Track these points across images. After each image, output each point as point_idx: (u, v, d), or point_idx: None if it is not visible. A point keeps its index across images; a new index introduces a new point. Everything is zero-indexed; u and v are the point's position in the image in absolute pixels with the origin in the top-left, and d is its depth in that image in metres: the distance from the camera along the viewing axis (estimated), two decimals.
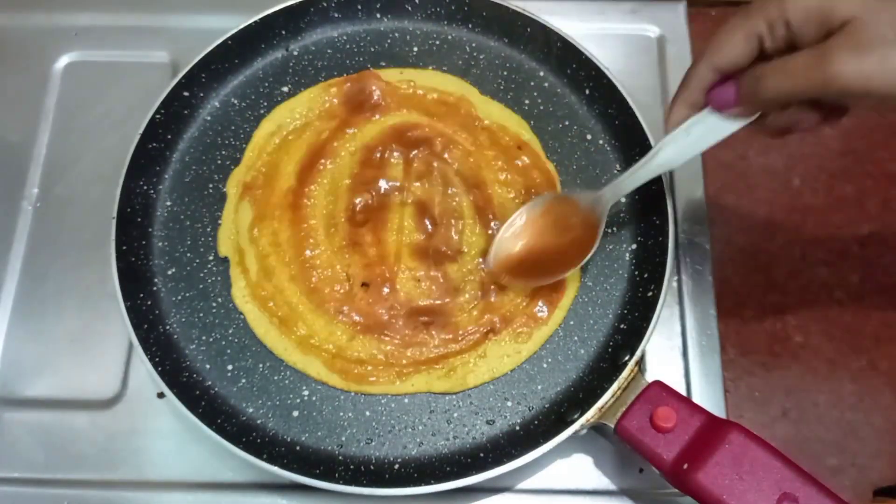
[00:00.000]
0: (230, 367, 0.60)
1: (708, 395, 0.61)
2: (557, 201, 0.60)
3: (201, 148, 0.67)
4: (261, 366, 0.60)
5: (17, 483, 0.59)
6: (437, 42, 0.70)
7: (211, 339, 0.61)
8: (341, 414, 0.58)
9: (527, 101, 0.68)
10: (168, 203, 0.65)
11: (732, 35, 0.47)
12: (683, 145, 0.52)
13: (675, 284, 0.65)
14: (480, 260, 0.62)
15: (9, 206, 0.68)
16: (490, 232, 0.63)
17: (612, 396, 0.54)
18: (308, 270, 0.62)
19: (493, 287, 0.61)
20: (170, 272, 0.63)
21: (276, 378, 0.59)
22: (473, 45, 0.70)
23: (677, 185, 0.68)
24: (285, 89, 0.69)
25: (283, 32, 0.70)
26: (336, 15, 0.70)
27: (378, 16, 0.71)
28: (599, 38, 0.74)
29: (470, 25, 0.71)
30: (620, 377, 0.54)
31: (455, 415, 0.58)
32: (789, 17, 0.44)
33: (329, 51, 0.71)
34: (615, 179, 0.57)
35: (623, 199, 0.64)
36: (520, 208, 0.60)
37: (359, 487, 0.53)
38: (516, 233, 0.60)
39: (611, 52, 0.71)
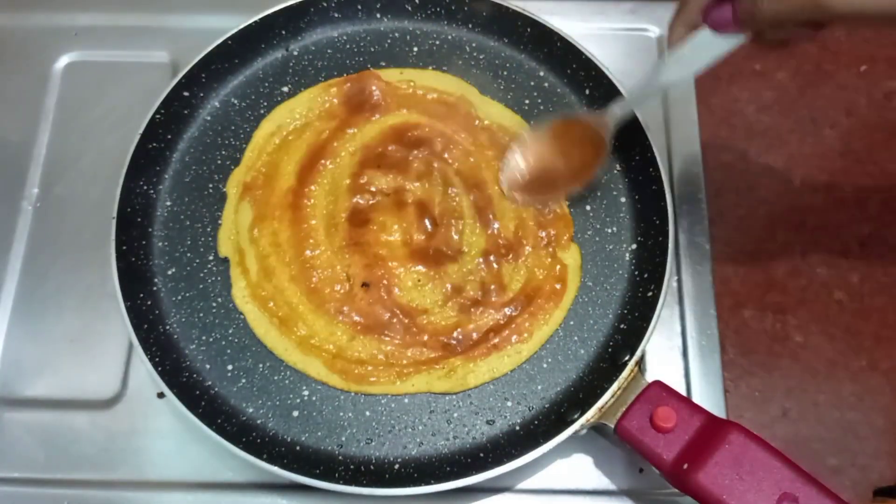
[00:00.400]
0: (230, 367, 0.60)
1: (708, 395, 0.61)
2: (564, 121, 0.63)
3: (201, 148, 0.67)
4: (261, 366, 0.60)
5: (17, 483, 0.59)
6: (437, 42, 0.71)
7: (211, 339, 0.61)
8: (341, 414, 0.58)
9: (527, 101, 0.68)
10: (168, 203, 0.65)
11: None
12: (685, 63, 0.54)
13: (675, 284, 0.65)
14: (480, 260, 0.62)
15: (9, 206, 0.68)
16: (490, 232, 0.63)
17: (612, 396, 0.54)
18: (308, 270, 0.62)
19: (493, 287, 0.61)
20: (170, 272, 0.63)
21: (276, 378, 0.59)
22: (473, 45, 0.70)
23: (677, 185, 0.68)
24: (285, 89, 0.69)
25: (283, 32, 0.70)
26: (336, 15, 0.70)
27: (378, 16, 0.71)
28: (599, 38, 0.74)
29: (470, 25, 0.71)
30: (620, 377, 0.54)
31: (455, 415, 0.58)
32: None
33: (329, 51, 0.71)
34: (621, 101, 0.60)
35: (623, 199, 0.65)
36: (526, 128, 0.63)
37: (359, 487, 0.53)
38: (524, 153, 0.63)
39: (611, 52, 0.71)
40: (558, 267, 0.62)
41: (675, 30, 0.53)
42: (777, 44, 0.51)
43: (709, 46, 0.52)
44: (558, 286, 0.62)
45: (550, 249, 0.63)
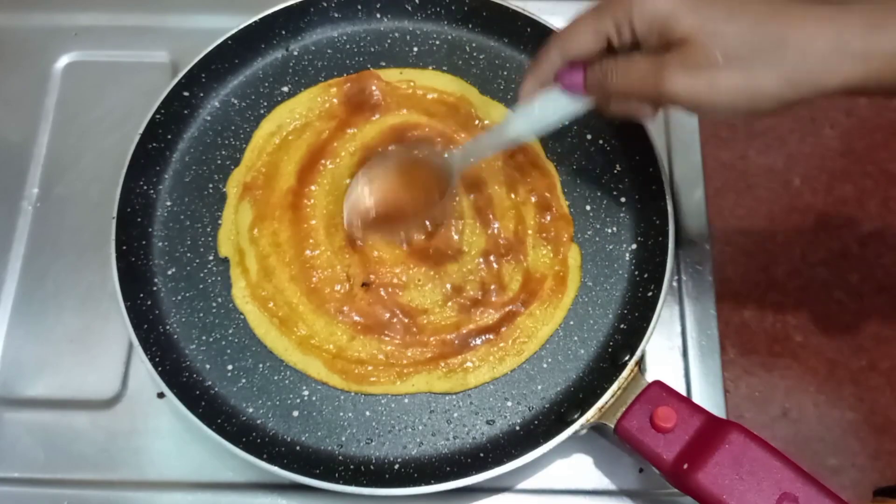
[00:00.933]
0: (230, 367, 0.60)
1: (708, 395, 0.61)
2: (404, 159, 0.63)
3: (201, 148, 0.67)
4: (261, 366, 0.60)
5: (17, 483, 0.59)
6: (437, 42, 0.70)
7: (211, 339, 0.61)
8: (341, 414, 0.58)
9: None
10: (168, 203, 0.65)
11: (583, 29, 0.50)
12: (533, 119, 0.55)
13: (675, 284, 0.65)
14: (481, 260, 0.62)
15: (9, 206, 0.68)
16: (490, 232, 0.63)
17: (612, 396, 0.54)
18: (308, 270, 0.62)
19: (493, 287, 0.61)
20: (170, 272, 0.63)
21: (276, 378, 0.59)
22: (473, 45, 0.70)
23: (677, 185, 0.68)
24: (285, 89, 0.69)
25: (283, 32, 0.70)
26: (336, 15, 0.70)
27: (378, 16, 0.71)
28: None
29: (470, 25, 0.70)
30: (620, 377, 0.54)
31: (455, 415, 0.58)
32: (634, 24, 0.46)
33: (329, 51, 0.71)
34: (465, 147, 0.60)
35: (623, 199, 0.64)
36: (365, 164, 0.63)
37: (359, 487, 0.53)
38: (366, 190, 0.62)
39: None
40: (558, 267, 0.62)
41: (526, 86, 0.53)
42: (620, 115, 0.52)
43: (557, 106, 0.53)
44: (558, 286, 0.62)
45: (550, 249, 0.63)
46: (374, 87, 0.68)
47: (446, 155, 0.61)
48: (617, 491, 0.59)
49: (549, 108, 0.53)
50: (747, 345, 0.64)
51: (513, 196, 0.64)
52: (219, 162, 0.66)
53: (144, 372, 0.59)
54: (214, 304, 0.62)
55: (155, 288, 0.62)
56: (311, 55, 0.70)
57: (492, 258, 0.62)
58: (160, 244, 0.64)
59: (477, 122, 0.67)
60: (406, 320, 0.60)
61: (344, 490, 0.53)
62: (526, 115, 0.55)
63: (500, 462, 0.53)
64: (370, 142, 0.66)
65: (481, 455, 0.56)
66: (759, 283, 0.66)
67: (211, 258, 0.63)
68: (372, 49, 0.70)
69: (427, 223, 0.63)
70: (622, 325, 0.60)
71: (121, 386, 0.62)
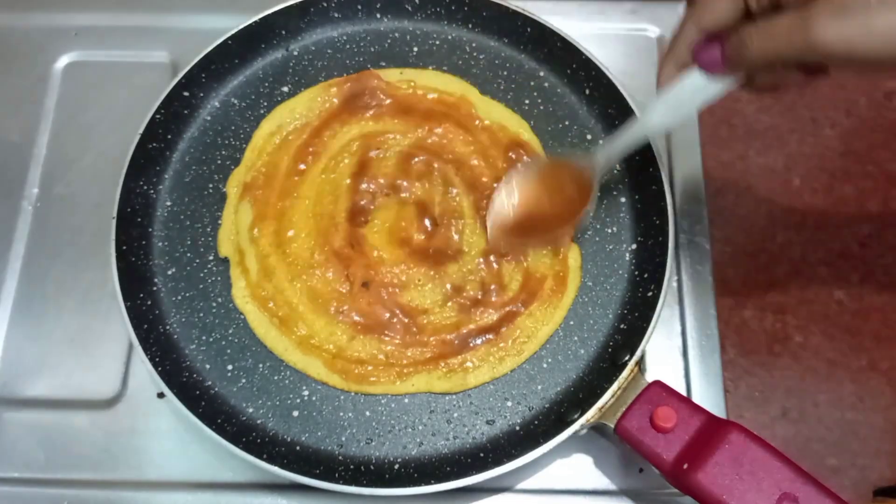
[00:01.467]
0: (230, 367, 0.60)
1: (708, 395, 0.61)
2: (549, 164, 0.62)
3: (201, 148, 0.67)
4: (261, 366, 0.60)
5: (17, 483, 0.59)
6: (437, 42, 0.70)
7: (211, 339, 0.61)
8: (341, 414, 0.58)
9: (527, 101, 0.68)
10: (168, 203, 0.65)
11: None
12: (673, 105, 0.52)
13: (675, 284, 0.65)
14: (481, 260, 0.62)
15: (9, 206, 0.68)
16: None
17: (612, 396, 0.54)
18: (308, 270, 0.62)
19: (493, 287, 0.61)
20: (170, 272, 0.63)
21: (276, 378, 0.59)
22: (473, 45, 0.70)
23: (677, 184, 0.68)
24: (285, 89, 0.69)
25: (283, 32, 0.70)
26: (336, 15, 0.70)
27: (378, 16, 0.71)
28: (599, 38, 0.74)
29: (470, 25, 0.70)
30: (620, 377, 0.54)
31: (455, 415, 0.58)
32: None
33: (329, 51, 0.71)
34: (607, 143, 0.58)
35: (623, 199, 0.65)
36: (509, 172, 0.62)
37: (359, 487, 0.53)
38: (510, 197, 0.61)
39: (611, 52, 0.71)
40: (558, 267, 0.62)
41: (665, 70, 0.51)
42: (769, 88, 0.49)
43: (697, 89, 0.49)
44: (558, 286, 0.62)
45: (550, 249, 0.63)
46: (374, 87, 0.68)
47: (588, 157, 0.58)
48: (617, 491, 0.59)
49: (689, 91, 0.50)
50: (747, 345, 0.64)
51: None
52: (219, 162, 0.66)
53: (144, 372, 0.59)
54: (214, 304, 0.62)
55: (155, 288, 0.62)
56: (311, 55, 0.70)
57: (492, 258, 0.62)
58: (160, 244, 0.64)
59: (477, 122, 0.67)
60: (406, 320, 0.60)
61: (344, 490, 0.53)
62: (666, 103, 0.51)
63: (500, 462, 0.53)
64: (370, 142, 0.66)
65: (481, 455, 0.56)
66: (759, 283, 0.66)
67: (211, 258, 0.63)
68: (372, 49, 0.70)
69: (427, 222, 0.63)
70: (622, 325, 0.60)
71: (121, 386, 0.62)
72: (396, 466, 0.56)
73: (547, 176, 0.61)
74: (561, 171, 0.61)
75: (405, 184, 0.64)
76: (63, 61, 0.74)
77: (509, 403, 0.59)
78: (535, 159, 0.63)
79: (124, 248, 0.61)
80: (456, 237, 0.63)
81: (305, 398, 0.59)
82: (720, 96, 0.49)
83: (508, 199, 0.61)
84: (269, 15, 0.68)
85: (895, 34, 0.40)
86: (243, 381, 0.59)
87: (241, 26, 0.67)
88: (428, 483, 0.53)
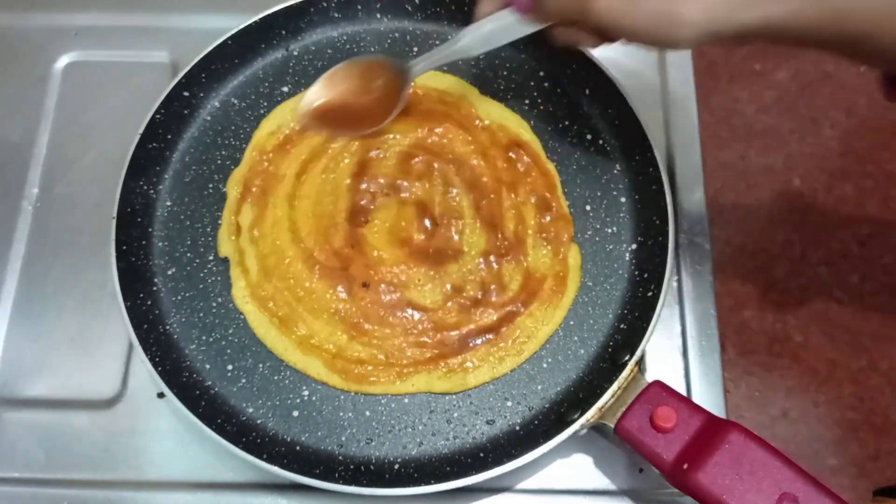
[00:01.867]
0: (230, 367, 0.60)
1: (708, 395, 0.61)
2: (366, 63, 0.65)
3: (201, 148, 0.67)
4: (261, 366, 0.60)
5: (17, 483, 0.59)
6: (437, 42, 0.70)
7: (211, 339, 0.61)
8: (341, 414, 0.58)
9: (527, 101, 0.68)
10: (168, 203, 0.65)
11: None
12: (485, 34, 0.57)
13: (675, 284, 0.65)
14: (481, 260, 0.62)
15: (9, 206, 0.68)
16: (490, 231, 0.63)
17: (612, 396, 0.54)
18: (308, 270, 0.62)
19: (493, 287, 0.61)
20: (170, 272, 0.63)
21: (276, 378, 0.59)
22: None
23: (677, 184, 0.68)
24: (285, 89, 0.69)
25: (283, 32, 0.70)
26: (336, 15, 0.70)
27: (378, 16, 0.71)
28: None
29: None
30: (620, 377, 0.54)
31: (455, 415, 0.58)
32: None
33: (329, 51, 0.71)
34: (423, 58, 0.61)
35: (623, 199, 0.64)
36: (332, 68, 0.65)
37: (359, 487, 0.53)
38: (323, 85, 0.65)
39: (611, 52, 0.71)
40: (558, 267, 0.62)
41: (483, 4, 0.56)
42: (569, 44, 0.54)
43: (507, 25, 0.55)
44: (558, 286, 0.62)
45: (550, 249, 0.63)
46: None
47: (404, 64, 0.62)
48: (617, 491, 0.59)
49: (501, 26, 0.56)
50: (747, 345, 0.64)
51: (513, 196, 0.64)
52: (219, 162, 0.66)
53: (144, 372, 0.59)
54: (214, 304, 0.62)
55: (155, 288, 0.62)
56: (311, 55, 0.70)
57: (492, 258, 0.62)
58: (160, 244, 0.64)
59: (477, 122, 0.67)
60: (406, 320, 0.60)
61: (344, 490, 0.53)
62: (479, 31, 0.57)
63: (500, 462, 0.53)
64: (370, 141, 0.66)
65: (481, 455, 0.56)
66: (759, 283, 0.66)
67: (211, 258, 0.63)
68: (372, 49, 0.70)
69: (427, 222, 0.63)
70: (622, 325, 0.60)
71: (121, 386, 0.62)
72: (396, 466, 0.56)
73: (363, 74, 0.65)
74: (376, 74, 0.64)
75: (405, 184, 0.64)
76: (63, 61, 0.74)
77: (509, 403, 0.59)
78: (355, 58, 0.66)
79: (124, 248, 0.61)
80: (456, 237, 0.63)
81: (305, 398, 0.59)
82: (525, 34, 0.55)
83: (323, 87, 0.64)
84: (268, 15, 0.68)
85: (657, 17, 0.44)
86: (243, 381, 0.59)
87: (241, 26, 0.67)
88: (428, 483, 0.53)
